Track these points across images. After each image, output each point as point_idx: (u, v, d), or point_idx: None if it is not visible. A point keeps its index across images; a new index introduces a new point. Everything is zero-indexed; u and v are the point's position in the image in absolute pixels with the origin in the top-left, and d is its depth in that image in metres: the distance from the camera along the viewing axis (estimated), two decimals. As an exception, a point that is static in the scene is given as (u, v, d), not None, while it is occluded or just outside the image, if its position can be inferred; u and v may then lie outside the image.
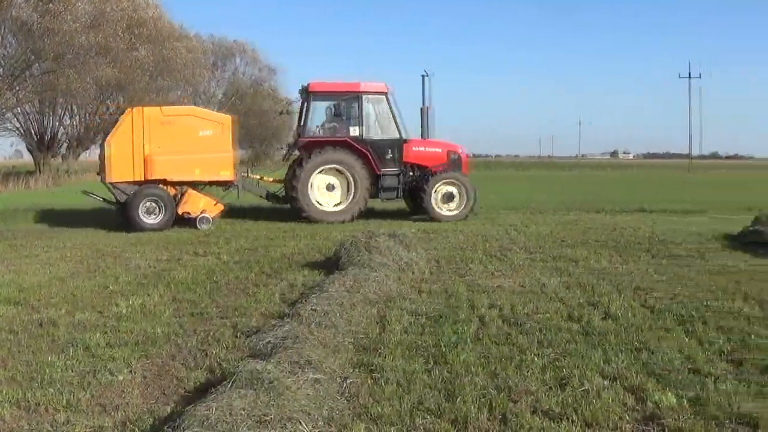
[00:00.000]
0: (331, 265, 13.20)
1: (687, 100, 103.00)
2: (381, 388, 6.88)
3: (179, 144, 21.72)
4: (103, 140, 22.88)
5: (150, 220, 21.23)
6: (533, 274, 12.97)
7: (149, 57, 55.87)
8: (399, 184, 23.77)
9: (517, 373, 7.30)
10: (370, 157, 23.29)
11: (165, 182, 21.73)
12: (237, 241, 17.94)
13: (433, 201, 23.25)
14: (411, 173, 24.04)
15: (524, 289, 11.68)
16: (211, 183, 22.99)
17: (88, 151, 72.14)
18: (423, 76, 24.95)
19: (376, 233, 13.97)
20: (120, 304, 10.57)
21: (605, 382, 7.00)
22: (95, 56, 47.15)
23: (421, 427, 6.00)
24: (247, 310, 10.24)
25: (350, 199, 23.13)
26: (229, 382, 6.28)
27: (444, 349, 8.06)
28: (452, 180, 23.49)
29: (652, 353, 7.95)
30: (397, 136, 23.85)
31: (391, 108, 23.97)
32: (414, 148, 24.11)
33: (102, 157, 22.19)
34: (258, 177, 25.66)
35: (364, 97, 23.73)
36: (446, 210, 23.35)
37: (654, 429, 6.01)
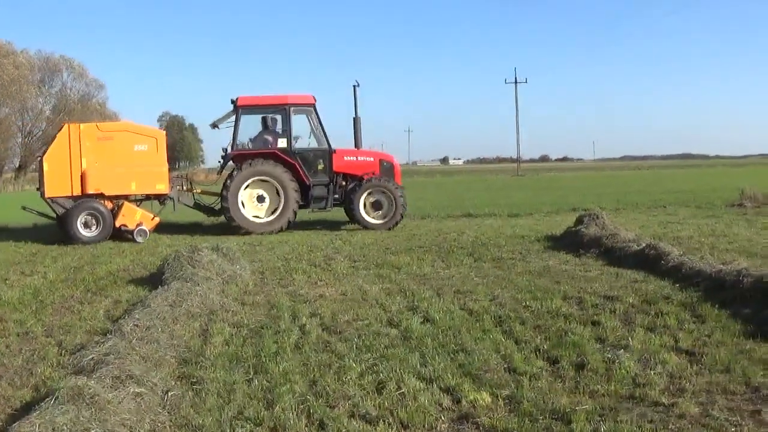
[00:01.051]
0: (156, 280, 13.11)
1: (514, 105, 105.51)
2: (202, 400, 6.98)
3: (115, 159, 22.13)
4: (41, 156, 23.06)
5: (87, 234, 21.59)
6: (356, 282, 13.22)
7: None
8: (329, 194, 23.84)
9: (335, 379, 7.49)
10: (298, 168, 23.42)
11: (102, 196, 22.01)
12: (64, 259, 17.67)
13: (362, 209, 23.41)
14: (344, 183, 24.19)
15: (346, 297, 11.90)
16: (147, 197, 23.41)
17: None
18: (354, 86, 25.01)
19: (199, 247, 13.99)
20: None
21: (422, 384, 7.24)
22: None
23: (241, 435, 6.11)
24: (71, 328, 10.18)
25: (279, 210, 23.20)
26: (51, 398, 6.24)
27: (264, 359, 8.19)
28: (381, 188, 23.51)
29: (469, 354, 8.23)
30: (326, 146, 23.99)
31: (319, 119, 24.12)
32: (345, 158, 24.26)
33: (40, 172, 22.49)
34: (198, 191, 25.55)
35: (291, 108, 23.90)
36: (375, 218, 23.51)
37: (469, 427, 6.28)
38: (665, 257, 13.50)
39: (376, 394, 7.01)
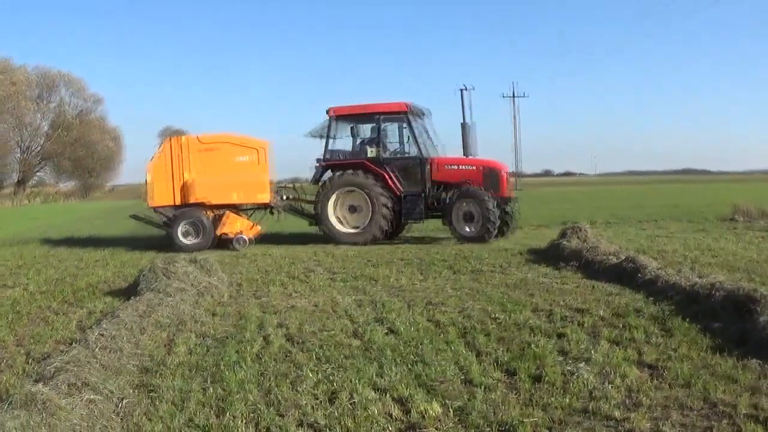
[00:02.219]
0: (132, 291, 13.16)
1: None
2: (156, 407, 7.04)
3: (216, 170, 22.94)
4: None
5: (188, 241, 22.67)
6: (330, 293, 13.29)
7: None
8: (422, 205, 22.81)
9: (290, 388, 7.54)
10: (388, 177, 22.83)
11: (204, 206, 22.91)
12: (47, 271, 17.77)
13: (454, 220, 22.30)
14: (444, 193, 22.89)
15: (317, 308, 11.97)
16: (252, 207, 24.25)
17: None
18: (462, 90, 24.13)
19: (175, 259, 14.09)
20: None
21: (375, 395, 7.27)
22: None
23: (188, 442, 6.17)
24: (42, 338, 10.25)
25: (367, 222, 22.85)
26: (5, 404, 6.33)
27: (223, 369, 8.26)
28: (472, 198, 22.13)
29: (427, 365, 8.26)
30: (418, 155, 23.12)
31: (411, 127, 23.21)
32: (446, 167, 23.18)
33: (145, 183, 23.53)
34: (306, 201, 25.27)
35: (382, 117, 23.35)
36: (468, 229, 22.27)
37: (415, 437, 6.30)
38: (642, 270, 13.52)
39: (327, 404, 7.05)
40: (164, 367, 8.45)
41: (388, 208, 22.61)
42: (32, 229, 33.94)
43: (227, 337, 9.89)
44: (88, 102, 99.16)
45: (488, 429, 6.37)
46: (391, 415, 6.75)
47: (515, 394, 7.32)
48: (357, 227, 23.09)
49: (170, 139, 23.72)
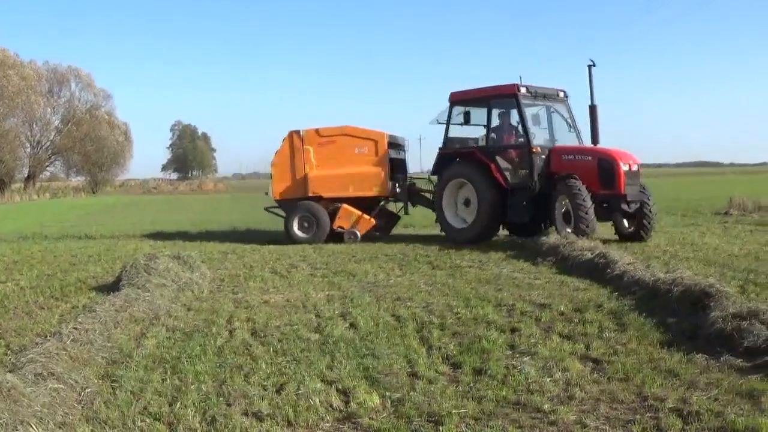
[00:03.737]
0: (115, 287, 13.56)
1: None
2: (115, 396, 7.50)
3: (334, 162, 23.11)
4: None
5: (303, 234, 23.05)
6: (306, 289, 13.67)
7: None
8: (527, 201, 20.10)
9: (242, 380, 7.98)
10: (493, 169, 20.44)
11: (321, 199, 23.15)
12: (40, 266, 18.05)
13: (557, 220, 19.65)
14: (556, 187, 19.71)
15: (288, 303, 12.35)
16: (387, 199, 23.93)
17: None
18: (589, 66, 20.49)
19: (157, 255, 14.55)
20: None
21: (321, 386, 7.66)
22: None
23: (140, 428, 6.64)
24: (23, 331, 10.63)
25: (473, 218, 21.07)
26: (-27, 391, 6.77)
27: (184, 361, 8.71)
28: (567, 194, 19.23)
29: (377, 359, 8.65)
30: (525, 143, 20.48)
31: (521, 111, 20.49)
32: (564, 158, 20.23)
33: (270, 177, 24.27)
34: (427, 191, 23.97)
35: (492, 101, 21.41)
36: (567, 230, 19.02)
37: (348, 427, 6.72)
38: (612, 266, 13.84)
39: (274, 395, 7.47)
40: (130, 359, 8.89)
41: (491, 203, 20.47)
42: (36, 225, 34.21)
43: (195, 331, 10.32)
44: (98, 97, 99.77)
45: (418, 419, 6.72)
46: (331, 406, 7.13)
47: (455, 386, 7.66)
48: (465, 223, 21.38)
49: (291, 133, 23.72)
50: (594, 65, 20.31)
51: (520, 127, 20.87)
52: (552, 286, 13.31)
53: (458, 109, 21.66)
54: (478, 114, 21.71)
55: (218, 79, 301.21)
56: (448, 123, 21.87)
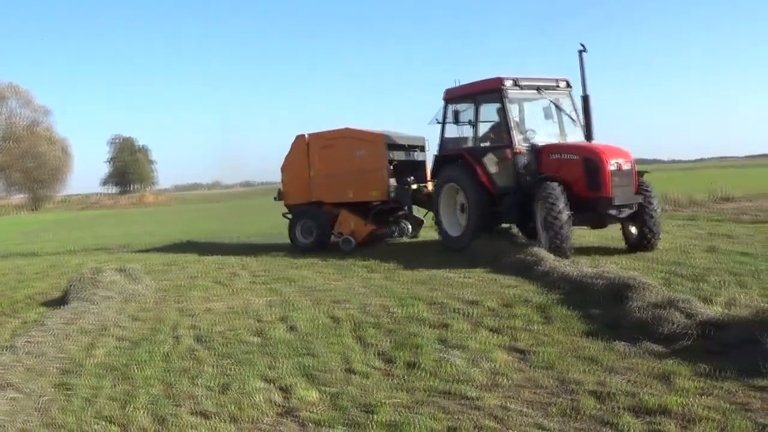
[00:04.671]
0: (63, 301, 13.91)
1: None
2: (70, 402, 8.00)
3: (335, 166, 22.18)
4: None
5: (305, 240, 22.41)
6: (247, 296, 14.09)
7: None
8: (514, 206, 17.91)
9: (189, 382, 8.52)
10: (479, 172, 18.47)
11: (323, 204, 22.47)
12: (-10, 285, 18.16)
13: (538, 227, 17.11)
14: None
15: (231, 310, 12.79)
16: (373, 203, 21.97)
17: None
18: (580, 51, 17.98)
19: (102, 269, 14.96)
20: None
21: (263, 385, 8.24)
22: None
23: (94, 431, 7.16)
24: (-22, 347, 10.99)
25: (464, 225, 19.10)
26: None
27: (133, 368, 9.21)
28: (543, 200, 16.67)
29: (315, 357, 9.23)
30: (506, 142, 18.29)
31: (504, 107, 18.19)
32: (552, 156, 17.85)
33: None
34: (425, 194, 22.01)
35: (479, 97, 19.23)
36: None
37: (289, 420, 7.25)
38: (540, 263, 14.37)
39: (219, 394, 8.01)
40: (82, 368, 9.36)
41: (481, 208, 18.47)
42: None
43: (142, 339, 10.79)
44: (37, 113, 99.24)
45: (354, 410, 7.28)
46: (273, 402, 7.69)
47: (388, 379, 8.24)
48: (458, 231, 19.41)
49: (297, 137, 23.08)
50: (585, 50, 17.95)
51: (504, 123, 18.58)
52: (483, 284, 13.74)
53: (452, 107, 19.61)
54: (471, 112, 19.70)
55: (155, 91, 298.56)
56: (443, 123, 20.07)
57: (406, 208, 22.02)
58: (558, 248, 15.89)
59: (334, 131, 22.62)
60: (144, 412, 7.51)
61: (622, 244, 17.90)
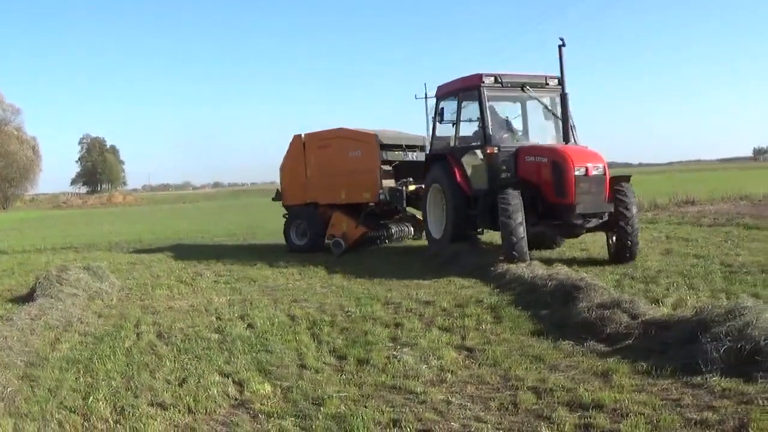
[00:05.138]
0: (30, 298, 14.16)
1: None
2: (34, 394, 8.33)
3: (329, 167, 22.06)
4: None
5: (299, 242, 22.64)
6: (209, 295, 14.49)
7: None
8: (487, 210, 16.80)
9: (149, 375, 8.87)
10: (458, 173, 17.80)
11: (317, 205, 22.48)
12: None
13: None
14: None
15: (192, 308, 13.18)
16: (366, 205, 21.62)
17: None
18: (559, 46, 16.64)
19: (68, 267, 15.27)
20: None
21: (219, 379, 8.61)
22: None
23: (57, 420, 7.47)
24: (-54, 342, 11.29)
25: (444, 227, 18.39)
26: None
27: (95, 361, 9.56)
28: (498, 203, 15.77)
29: (270, 354, 9.60)
30: (481, 142, 17.60)
31: (481, 105, 17.39)
32: (526, 159, 16.92)
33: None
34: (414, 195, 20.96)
35: (460, 95, 18.34)
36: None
37: (242, 412, 7.60)
38: (496, 265, 14.80)
39: (177, 387, 8.37)
40: (46, 361, 9.69)
41: (457, 212, 17.80)
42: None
43: (105, 335, 11.13)
44: (7, 112, 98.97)
45: (304, 403, 7.64)
46: (228, 395, 8.06)
47: (339, 375, 8.61)
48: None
49: (295, 137, 22.96)
50: (564, 45, 16.61)
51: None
52: (439, 285, 14.15)
53: (441, 105, 18.91)
54: (453, 110, 18.75)
55: (125, 90, 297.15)
56: (434, 121, 19.16)
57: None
58: (509, 253, 15.32)
59: (329, 131, 22.43)
60: (105, 403, 7.85)
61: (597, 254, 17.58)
